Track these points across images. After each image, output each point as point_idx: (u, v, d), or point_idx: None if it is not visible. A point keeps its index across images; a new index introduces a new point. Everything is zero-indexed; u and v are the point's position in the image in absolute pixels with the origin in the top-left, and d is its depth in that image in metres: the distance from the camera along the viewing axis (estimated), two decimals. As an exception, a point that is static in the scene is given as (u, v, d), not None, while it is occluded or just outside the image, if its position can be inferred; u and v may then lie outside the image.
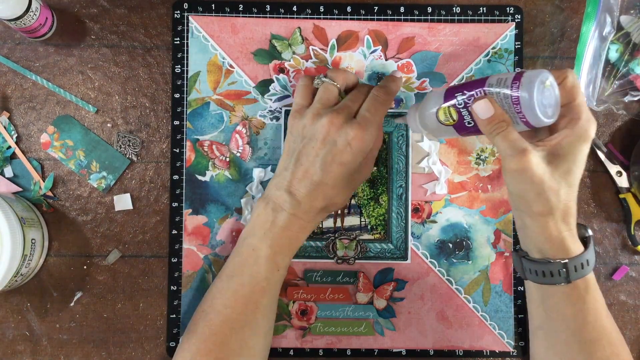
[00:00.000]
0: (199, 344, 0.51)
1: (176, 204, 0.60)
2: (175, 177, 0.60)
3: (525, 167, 0.47)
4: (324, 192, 0.52)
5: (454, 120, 0.51)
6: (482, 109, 0.48)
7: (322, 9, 0.61)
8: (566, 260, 0.49)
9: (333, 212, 0.60)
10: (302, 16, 0.61)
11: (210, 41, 0.61)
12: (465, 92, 0.49)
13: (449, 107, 0.50)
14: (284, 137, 0.61)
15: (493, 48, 0.62)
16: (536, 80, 0.45)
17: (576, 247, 0.49)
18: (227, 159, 0.61)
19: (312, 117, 0.53)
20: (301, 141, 0.53)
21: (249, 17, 0.61)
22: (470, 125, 0.50)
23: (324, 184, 0.52)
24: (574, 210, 0.49)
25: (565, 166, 0.47)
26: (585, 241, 0.51)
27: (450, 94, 0.51)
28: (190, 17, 0.61)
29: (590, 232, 0.52)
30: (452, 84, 0.61)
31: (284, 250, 0.53)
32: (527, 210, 0.49)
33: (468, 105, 0.49)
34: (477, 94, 0.48)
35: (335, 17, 0.61)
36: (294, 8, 0.61)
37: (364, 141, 0.51)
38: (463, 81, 0.61)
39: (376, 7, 0.61)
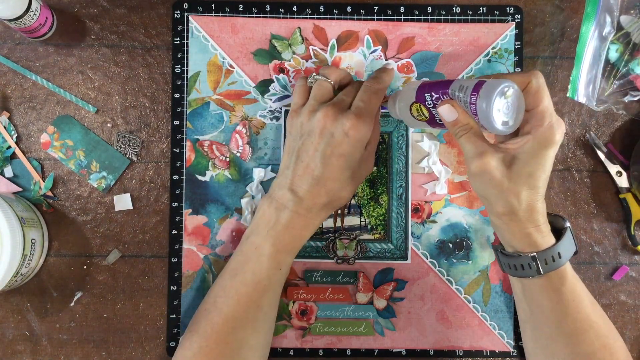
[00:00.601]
0: (201, 342, 0.51)
1: (176, 204, 0.60)
2: (175, 177, 0.60)
3: (484, 169, 0.48)
4: (326, 186, 0.52)
5: (425, 117, 0.52)
6: (446, 113, 0.49)
7: (322, 9, 0.61)
8: (534, 254, 0.50)
9: (333, 212, 0.60)
10: (302, 16, 0.61)
11: (210, 41, 0.61)
12: (432, 93, 0.50)
13: (419, 105, 0.52)
14: (284, 137, 0.61)
15: (493, 48, 0.62)
16: (494, 92, 0.45)
17: (545, 240, 0.50)
18: (227, 159, 0.61)
19: (307, 113, 0.53)
20: (300, 139, 0.53)
21: (249, 17, 0.61)
22: (441, 122, 0.51)
23: (325, 178, 0.52)
24: (541, 208, 0.50)
25: (527, 170, 0.48)
26: (561, 233, 0.52)
27: (421, 92, 0.51)
28: (190, 17, 0.61)
29: (567, 224, 0.52)
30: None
31: (287, 249, 0.53)
32: (491, 210, 0.51)
33: (436, 105, 0.50)
34: (442, 97, 0.50)
35: (335, 17, 0.61)
36: (294, 8, 0.61)
37: (361, 130, 0.51)
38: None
39: (376, 7, 0.61)
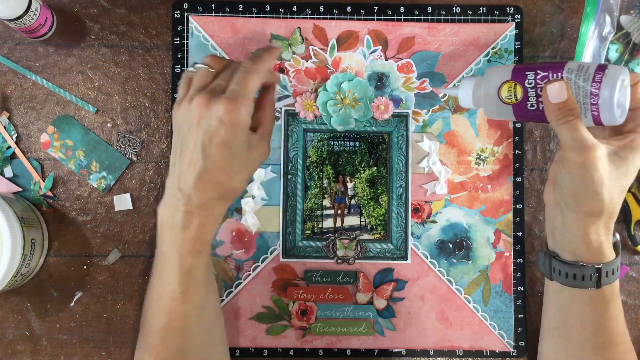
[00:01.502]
0: (139, 356, 0.52)
1: (176, 204, 0.60)
2: (175, 177, 0.60)
3: (591, 163, 0.45)
4: (212, 179, 0.48)
5: (516, 100, 0.48)
6: (555, 92, 0.45)
7: (322, 9, 0.61)
8: (600, 265, 0.48)
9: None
10: (302, 16, 0.61)
11: (210, 41, 0.61)
12: (539, 71, 0.47)
13: (515, 83, 0.48)
14: (284, 137, 0.61)
15: (493, 48, 0.62)
16: (619, 78, 0.43)
17: (611, 252, 0.49)
18: (227, 159, 0.61)
19: (186, 103, 0.49)
20: (180, 132, 0.50)
21: (249, 17, 0.61)
22: (532, 109, 0.47)
23: (208, 171, 0.48)
24: (617, 214, 0.49)
25: (625, 169, 0.46)
26: (615, 246, 0.51)
27: (519, 71, 0.48)
28: (190, 17, 0.61)
29: (618, 237, 0.52)
30: (452, 84, 0.61)
31: (191, 252, 0.49)
32: (576, 208, 0.48)
33: (539, 85, 0.46)
34: (552, 76, 0.46)
35: (335, 17, 0.61)
36: (294, 8, 0.61)
37: (236, 114, 0.47)
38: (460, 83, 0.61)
39: (376, 7, 0.61)
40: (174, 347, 0.50)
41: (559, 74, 0.46)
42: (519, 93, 0.48)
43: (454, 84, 0.54)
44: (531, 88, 0.47)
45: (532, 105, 0.47)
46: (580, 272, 0.49)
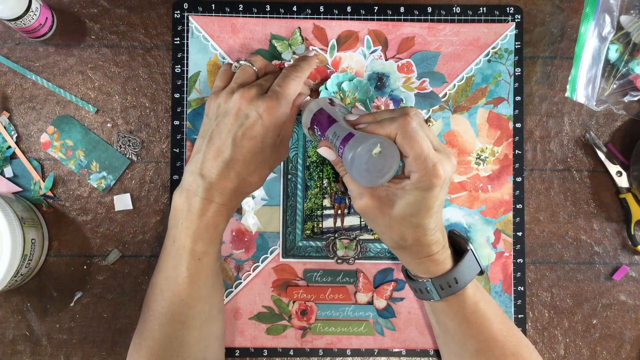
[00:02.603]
0: (136, 341, 0.53)
1: (176, 204, 0.60)
2: (175, 177, 0.60)
3: (365, 209, 0.50)
4: (236, 169, 0.51)
5: (319, 140, 0.53)
6: (324, 154, 0.51)
7: (322, 9, 0.61)
8: (428, 280, 0.51)
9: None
10: (302, 16, 0.61)
11: (210, 41, 0.61)
12: (317, 127, 0.52)
13: (311, 132, 0.54)
14: (284, 137, 0.61)
15: (493, 48, 0.62)
16: (358, 148, 0.46)
17: (439, 268, 0.51)
18: (227, 159, 0.61)
19: (226, 95, 0.52)
20: (215, 120, 0.52)
21: (249, 17, 0.61)
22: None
23: (235, 161, 0.50)
24: (432, 239, 0.49)
25: (409, 211, 0.48)
26: (462, 253, 0.52)
27: (314, 120, 0.53)
28: (190, 17, 0.61)
29: (470, 247, 0.52)
30: (452, 83, 0.61)
31: (203, 239, 0.51)
32: (385, 243, 0.53)
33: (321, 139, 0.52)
34: (320, 138, 0.52)
35: (335, 17, 0.61)
36: (294, 8, 0.61)
37: (275, 114, 0.51)
38: (461, 83, 0.61)
39: (376, 7, 0.61)
40: (172, 335, 0.51)
41: (324, 136, 0.51)
42: (316, 137, 0.54)
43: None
44: (321, 137, 0.52)
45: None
46: (417, 286, 0.53)
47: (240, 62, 0.56)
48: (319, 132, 0.52)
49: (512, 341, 0.52)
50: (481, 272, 0.52)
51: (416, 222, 0.48)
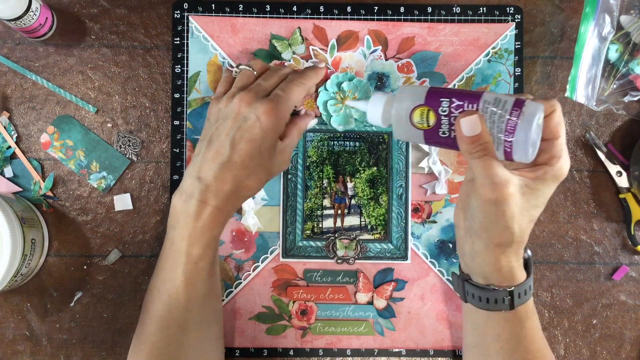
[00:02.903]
0: (135, 344, 0.52)
1: (176, 204, 0.60)
2: (175, 177, 0.60)
3: (503, 199, 0.43)
4: (233, 172, 0.50)
5: (428, 126, 0.46)
6: (469, 125, 0.43)
7: (322, 9, 0.61)
8: (512, 289, 0.47)
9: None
10: (302, 16, 0.61)
11: (210, 41, 0.61)
12: (454, 100, 0.44)
13: (429, 109, 0.45)
14: (284, 137, 0.61)
15: (493, 48, 0.62)
16: (535, 117, 0.42)
17: (521, 274, 0.48)
18: (227, 159, 0.61)
19: (226, 100, 0.53)
20: (215, 124, 0.52)
21: (249, 17, 0.61)
22: (443, 136, 0.45)
23: (232, 163, 0.50)
24: (526, 241, 0.48)
25: (535, 201, 0.45)
26: (527, 264, 0.50)
27: (434, 96, 0.45)
28: (190, 17, 0.61)
29: (529, 253, 0.50)
30: (452, 83, 0.61)
31: (199, 242, 0.50)
32: (486, 239, 0.47)
33: (452, 114, 0.44)
34: (467, 106, 0.44)
35: (335, 17, 0.61)
36: (294, 8, 0.61)
37: (274, 117, 0.50)
38: (461, 83, 0.61)
39: (376, 7, 0.61)
40: (170, 339, 0.51)
41: (475, 105, 0.44)
42: (432, 119, 0.45)
43: (365, 98, 0.51)
44: (444, 115, 0.45)
45: (444, 133, 0.45)
46: (493, 296, 0.48)
47: (241, 66, 0.56)
48: (457, 104, 0.44)
49: (550, 355, 0.51)
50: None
51: (534, 215, 0.46)
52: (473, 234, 0.48)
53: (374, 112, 0.49)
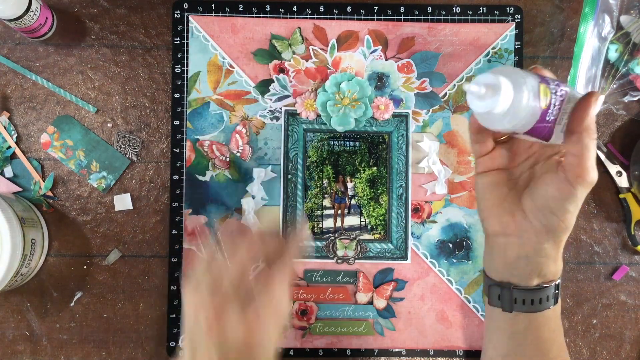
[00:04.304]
0: None
1: (176, 204, 0.60)
2: (175, 177, 0.60)
3: (594, 180, 0.42)
4: None
5: (546, 105, 0.41)
6: (594, 104, 0.41)
7: (322, 9, 0.61)
8: (558, 281, 0.47)
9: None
10: (302, 16, 0.61)
11: (210, 41, 0.61)
12: (559, 83, 0.41)
13: (546, 87, 0.40)
14: (284, 138, 0.61)
15: (493, 48, 0.62)
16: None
17: (560, 267, 0.47)
18: (227, 159, 0.61)
19: (192, 289, 0.43)
20: (189, 321, 0.43)
21: (249, 17, 0.61)
22: (548, 120, 0.41)
23: None
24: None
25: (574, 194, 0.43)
26: None
27: (537, 75, 0.41)
28: (190, 17, 0.61)
29: None
30: (452, 83, 0.61)
31: None
32: (559, 228, 0.44)
33: (557, 95, 0.41)
34: (562, 86, 0.41)
35: (335, 17, 0.61)
36: (294, 8, 0.61)
37: (259, 334, 0.41)
38: (461, 83, 0.61)
39: (376, 7, 0.61)
40: None
41: (564, 86, 0.41)
42: (547, 99, 0.41)
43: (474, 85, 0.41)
44: (554, 94, 0.41)
45: (549, 115, 0.41)
46: (544, 294, 0.46)
47: (211, 240, 0.48)
48: (556, 82, 0.41)
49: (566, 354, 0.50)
50: None
51: (574, 208, 0.44)
52: (542, 232, 0.45)
53: (505, 99, 0.39)
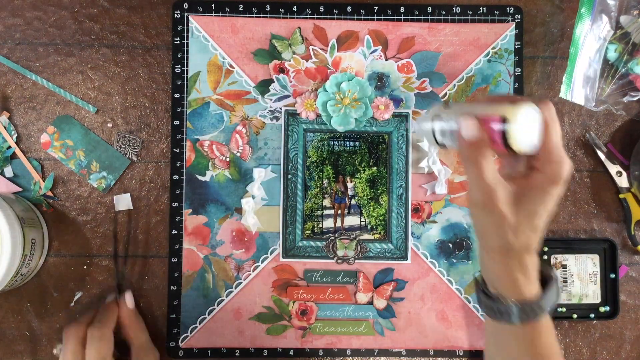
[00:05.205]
0: None
1: (176, 204, 0.60)
2: (175, 177, 0.60)
3: (491, 201, 0.44)
4: None
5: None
6: (468, 128, 0.44)
7: (322, 9, 0.61)
8: (517, 304, 0.46)
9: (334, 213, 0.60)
10: (302, 16, 0.61)
11: (210, 41, 0.61)
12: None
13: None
14: (284, 138, 0.61)
15: (493, 48, 0.62)
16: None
17: (530, 289, 0.46)
18: (227, 159, 0.61)
19: None
20: None
21: (249, 17, 0.61)
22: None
23: None
24: (534, 253, 0.46)
25: (532, 207, 0.44)
26: (547, 282, 0.48)
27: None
28: (190, 17, 0.61)
29: (555, 275, 0.49)
30: (452, 83, 0.61)
31: None
32: (485, 244, 0.47)
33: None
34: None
35: (335, 17, 0.61)
36: (294, 8, 0.61)
37: None
38: (461, 83, 0.61)
39: (376, 7, 0.61)
40: None
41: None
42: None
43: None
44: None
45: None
46: (499, 307, 0.47)
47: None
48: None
49: None
50: (556, 303, 0.48)
51: (534, 223, 0.45)
52: (478, 242, 0.48)
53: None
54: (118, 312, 0.58)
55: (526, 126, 0.43)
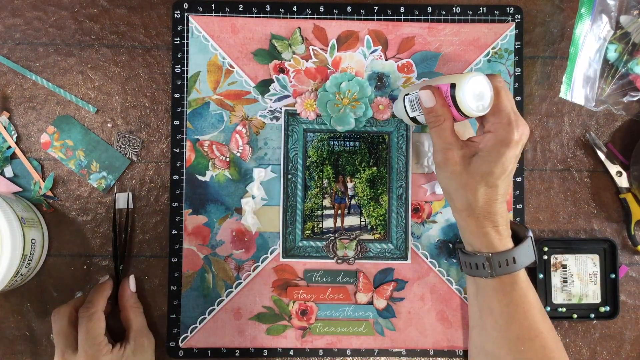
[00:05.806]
0: None
1: (176, 204, 0.60)
2: (175, 177, 0.60)
3: (447, 161, 0.50)
4: None
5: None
6: (426, 98, 0.51)
7: (322, 9, 0.61)
8: (489, 254, 0.51)
9: (333, 212, 0.60)
10: (302, 16, 0.61)
11: (210, 41, 0.61)
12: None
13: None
14: (284, 138, 0.61)
15: (493, 48, 0.62)
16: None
17: (501, 243, 0.51)
18: (227, 159, 0.61)
19: None
20: None
21: (249, 17, 0.61)
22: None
23: None
24: (500, 209, 0.51)
25: (486, 167, 0.50)
26: (520, 239, 0.53)
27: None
28: (190, 17, 0.61)
29: (530, 234, 0.54)
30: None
31: None
32: (453, 205, 0.53)
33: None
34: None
35: (335, 17, 0.61)
36: (294, 8, 0.61)
37: None
38: None
39: (376, 7, 0.61)
40: None
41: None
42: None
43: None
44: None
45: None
46: (474, 261, 0.52)
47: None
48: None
49: (552, 336, 0.52)
50: (534, 262, 0.53)
51: (490, 180, 0.50)
52: (450, 205, 0.55)
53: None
54: (119, 294, 0.58)
55: (472, 91, 0.49)
